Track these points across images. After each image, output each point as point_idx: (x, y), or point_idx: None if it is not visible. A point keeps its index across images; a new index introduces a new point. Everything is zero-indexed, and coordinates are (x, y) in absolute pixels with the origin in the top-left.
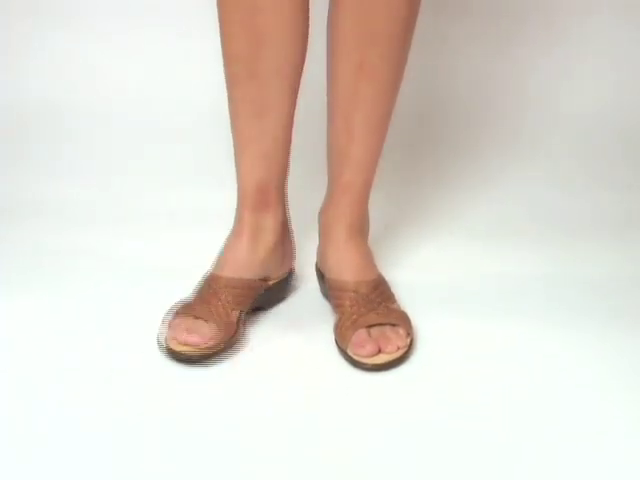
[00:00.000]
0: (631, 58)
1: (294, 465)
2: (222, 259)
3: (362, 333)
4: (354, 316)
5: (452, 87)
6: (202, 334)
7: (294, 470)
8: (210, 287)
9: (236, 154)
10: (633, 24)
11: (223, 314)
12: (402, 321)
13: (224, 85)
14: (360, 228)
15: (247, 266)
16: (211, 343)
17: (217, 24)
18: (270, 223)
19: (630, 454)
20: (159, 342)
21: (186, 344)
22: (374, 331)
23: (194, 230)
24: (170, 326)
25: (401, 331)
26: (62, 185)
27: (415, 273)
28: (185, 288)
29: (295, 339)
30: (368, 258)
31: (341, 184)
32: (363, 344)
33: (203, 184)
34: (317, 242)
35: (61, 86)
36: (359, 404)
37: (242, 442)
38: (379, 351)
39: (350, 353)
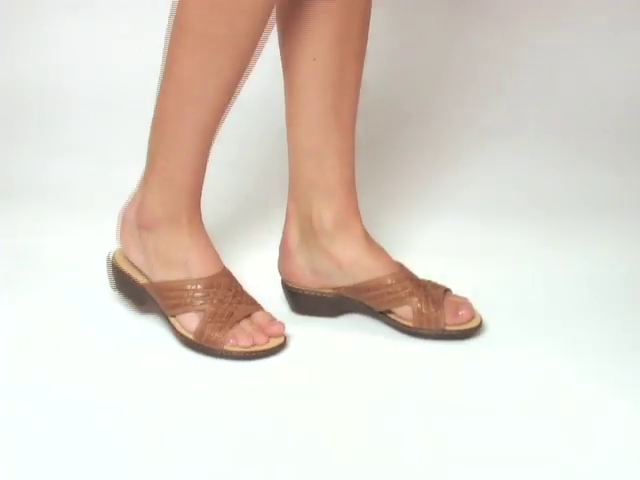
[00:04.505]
0: (628, 41)
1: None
2: (197, 261)
3: (452, 302)
4: (420, 289)
5: (446, 71)
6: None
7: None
8: (219, 286)
9: (174, 159)
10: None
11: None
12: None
13: None
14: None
15: (218, 258)
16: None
17: None
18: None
19: None
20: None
21: (274, 336)
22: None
23: None
24: (233, 337)
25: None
26: (61, 168)
27: (416, 256)
28: None
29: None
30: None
31: (343, 183)
32: (458, 309)
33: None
34: None
35: (59, 70)
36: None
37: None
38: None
39: (450, 327)
